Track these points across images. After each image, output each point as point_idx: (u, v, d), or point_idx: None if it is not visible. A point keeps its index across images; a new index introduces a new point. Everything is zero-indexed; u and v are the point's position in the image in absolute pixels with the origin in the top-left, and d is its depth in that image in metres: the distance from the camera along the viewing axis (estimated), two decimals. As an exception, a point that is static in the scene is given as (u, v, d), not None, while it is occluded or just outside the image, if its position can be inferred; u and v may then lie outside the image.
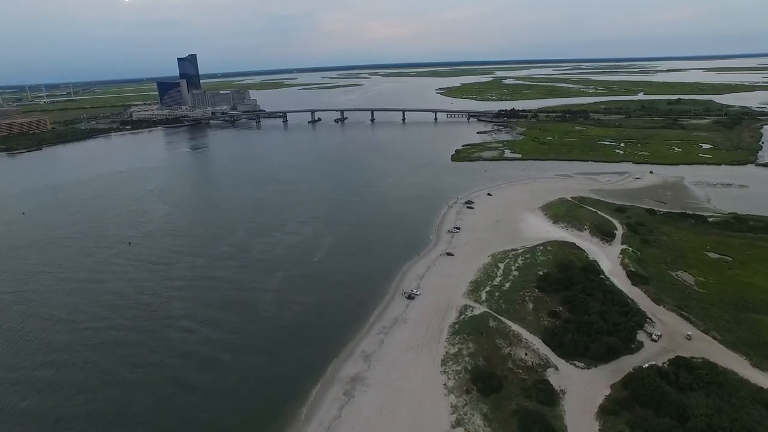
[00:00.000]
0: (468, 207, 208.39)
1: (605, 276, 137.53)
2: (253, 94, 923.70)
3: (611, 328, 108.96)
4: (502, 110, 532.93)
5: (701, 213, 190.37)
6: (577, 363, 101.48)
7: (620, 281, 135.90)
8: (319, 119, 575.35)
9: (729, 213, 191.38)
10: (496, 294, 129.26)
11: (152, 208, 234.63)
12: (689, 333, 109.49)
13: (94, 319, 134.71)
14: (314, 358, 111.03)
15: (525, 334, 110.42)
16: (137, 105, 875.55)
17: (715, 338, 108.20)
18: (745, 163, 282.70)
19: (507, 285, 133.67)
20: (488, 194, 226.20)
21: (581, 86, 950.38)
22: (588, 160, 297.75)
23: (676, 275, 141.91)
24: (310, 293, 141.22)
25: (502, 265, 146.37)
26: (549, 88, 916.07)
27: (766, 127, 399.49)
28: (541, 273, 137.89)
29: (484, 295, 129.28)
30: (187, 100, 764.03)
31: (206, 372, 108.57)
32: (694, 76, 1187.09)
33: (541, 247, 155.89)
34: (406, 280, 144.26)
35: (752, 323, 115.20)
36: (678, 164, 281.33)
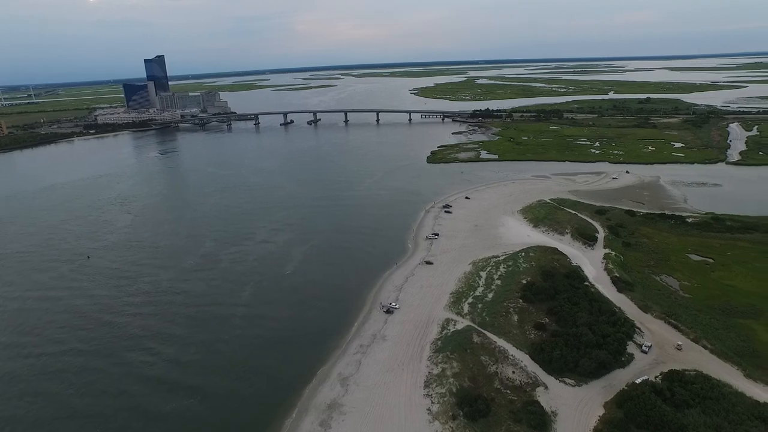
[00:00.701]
0: (446, 211, 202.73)
1: (590, 283, 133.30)
2: (225, 96, 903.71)
3: (600, 340, 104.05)
4: (477, 110, 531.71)
5: (680, 213, 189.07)
6: (567, 380, 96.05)
7: (605, 288, 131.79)
8: (292, 121, 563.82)
9: (706, 213, 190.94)
10: (479, 306, 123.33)
11: (115, 218, 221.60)
12: (679, 343, 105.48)
13: (47, 342, 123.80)
14: (288, 381, 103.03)
15: (511, 349, 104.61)
16: (103, 108, 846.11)
17: (705, 347, 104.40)
18: (717, 162, 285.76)
19: (490, 295, 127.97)
20: (466, 197, 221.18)
21: (553, 86, 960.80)
22: (564, 161, 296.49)
23: (661, 279, 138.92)
24: (283, 308, 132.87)
25: (483, 274, 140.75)
26: (522, 88, 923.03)
27: (731, 125, 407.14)
28: (524, 281, 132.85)
29: (466, 308, 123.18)
30: (155, 102, 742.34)
31: (172, 400, 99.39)
32: (660, 75, 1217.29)
33: (522, 254, 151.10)
34: (383, 292, 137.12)
35: (740, 329, 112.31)
36: (653, 163, 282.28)
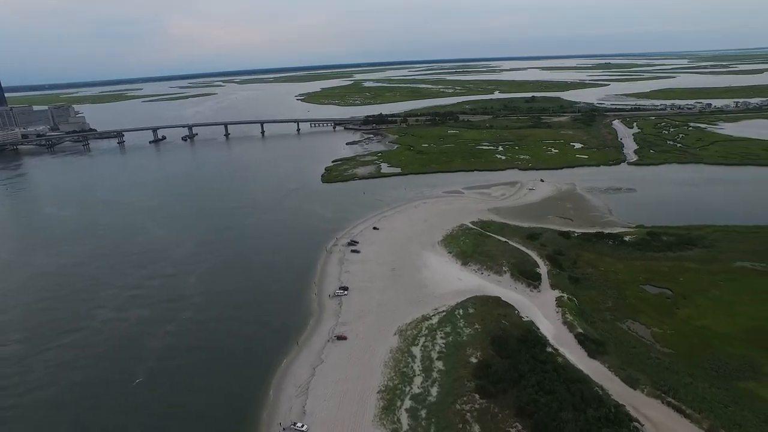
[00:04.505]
0: (353, 250, 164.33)
1: (553, 348, 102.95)
2: (87, 108, 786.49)
3: (602, 460, 72.48)
4: (370, 116, 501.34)
5: (612, 230, 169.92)
6: None
7: (572, 353, 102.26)
8: (164, 137, 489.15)
9: (637, 226, 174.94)
10: (422, 414, 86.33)
11: None
12: (698, 444, 77.40)
13: None
14: None
15: (486, 504, 68.98)
16: None
17: (729, 445, 77.44)
18: (619, 163, 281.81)
19: (433, 391, 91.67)
20: (374, 228, 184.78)
21: (440, 86, 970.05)
22: (472, 170, 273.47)
23: (628, 328, 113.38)
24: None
25: (417, 351, 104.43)
26: (410, 90, 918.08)
27: (614, 122, 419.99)
28: (473, 359, 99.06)
29: (405, 420, 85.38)
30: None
31: None
32: (533, 74, 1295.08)
33: (460, 311, 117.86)
34: (282, 401, 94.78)
35: (748, 401, 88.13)
36: (561, 168, 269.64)
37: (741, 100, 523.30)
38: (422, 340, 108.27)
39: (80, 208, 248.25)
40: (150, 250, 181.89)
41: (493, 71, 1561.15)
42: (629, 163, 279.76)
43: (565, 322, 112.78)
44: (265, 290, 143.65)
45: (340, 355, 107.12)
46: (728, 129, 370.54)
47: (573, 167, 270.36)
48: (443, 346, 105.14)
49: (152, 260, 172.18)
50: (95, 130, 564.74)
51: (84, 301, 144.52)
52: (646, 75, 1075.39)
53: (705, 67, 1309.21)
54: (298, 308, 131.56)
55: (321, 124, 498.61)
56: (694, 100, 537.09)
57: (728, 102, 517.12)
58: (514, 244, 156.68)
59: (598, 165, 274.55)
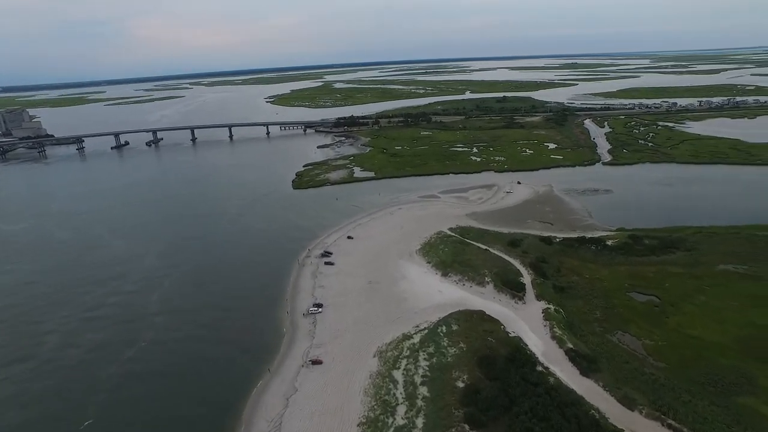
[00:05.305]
0: (326, 262, 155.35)
1: (543, 367, 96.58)
2: (46, 112, 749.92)
3: (607, 499, 66.11)
4: (341, 118, 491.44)
5: (593, 235, 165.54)
6: None
7: (564, 371, 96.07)
8: (127, 143, 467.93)
9: (618, 229, 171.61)
10: (408, 449, 78.73)
11: None
12: (706, 474, 71.93)
13: None
14: None
15: None
16: None
17: (738, 473, 72.26)
18: (594, 163, 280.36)
19: (419, 422, 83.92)
20: (348, 237, 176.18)
21: (411, 87, 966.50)
22: (447, 173, 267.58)
23: (619, 341, 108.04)
24: None
25: (399, 376, 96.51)
26: (382, 90, 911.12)
27: (586, 122, 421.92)
28: (460, 383, 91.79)
29: (388, 458, 77.74)
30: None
31: None
32: (502, 74, 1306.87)
33: (443, 328, 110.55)
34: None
35: (749, 419, 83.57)
36: (537, 169, 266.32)
37: (704, 99, 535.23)
38: (404, 362, 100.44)
39: (33, 221, 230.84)
40: (109, 265, 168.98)
41: (464, 71, 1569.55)
42: (604, 163, 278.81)
43: (554, 337, 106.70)
44: (233, 307, 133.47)
45: (316, 382, 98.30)
46: (695, 128, 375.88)
47: (549, 168, 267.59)
48: (427, 368, 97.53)
49: (111, 276, 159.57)
50: (52, 136, 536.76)
51: (32, 324, 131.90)
52: (612, 75, 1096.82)
53: (666, 67, 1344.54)
54: (268, 328, 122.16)
55: (291, 127, 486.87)
56: (660, 99, 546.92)
57: (692, 101, 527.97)
58: (496, 252, 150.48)
59: (574, 165, 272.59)
